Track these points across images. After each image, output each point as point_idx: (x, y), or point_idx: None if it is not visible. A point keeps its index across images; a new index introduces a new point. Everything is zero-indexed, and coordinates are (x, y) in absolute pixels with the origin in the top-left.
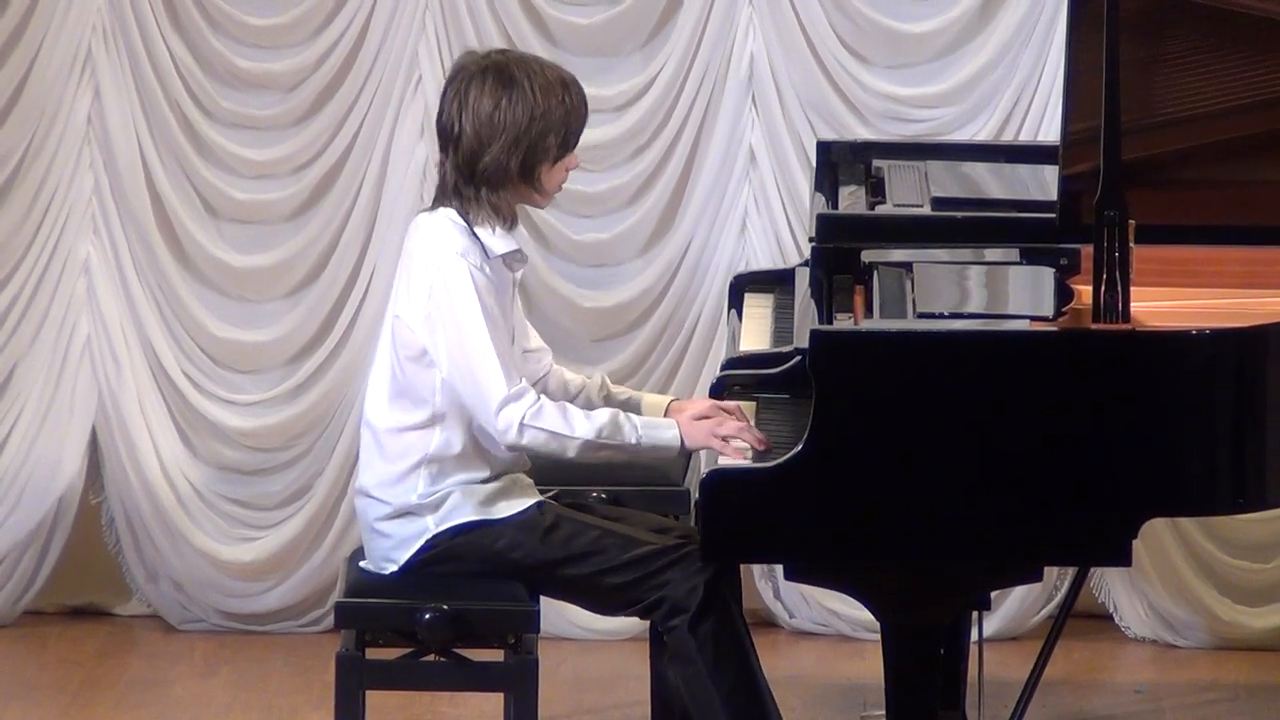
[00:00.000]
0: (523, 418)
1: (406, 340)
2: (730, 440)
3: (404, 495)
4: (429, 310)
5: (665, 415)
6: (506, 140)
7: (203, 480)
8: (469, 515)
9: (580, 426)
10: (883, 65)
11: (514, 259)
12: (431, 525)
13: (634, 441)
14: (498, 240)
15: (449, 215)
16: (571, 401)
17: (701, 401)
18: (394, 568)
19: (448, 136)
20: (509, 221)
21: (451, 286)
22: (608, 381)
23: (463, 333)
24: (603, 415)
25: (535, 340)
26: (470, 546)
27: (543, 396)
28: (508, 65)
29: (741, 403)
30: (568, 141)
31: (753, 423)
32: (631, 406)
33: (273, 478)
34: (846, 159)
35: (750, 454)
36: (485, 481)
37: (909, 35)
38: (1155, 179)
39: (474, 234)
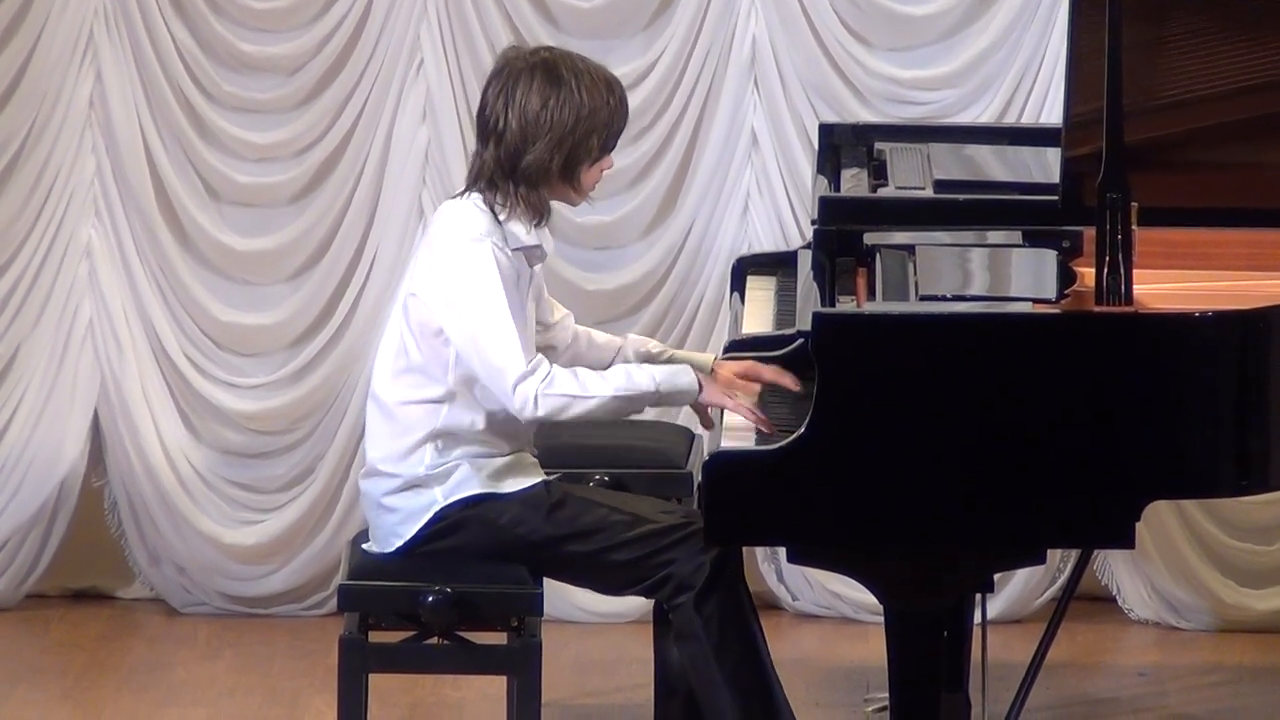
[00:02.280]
0: (537, 390)
1: (424, 318)
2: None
3: (412, 468)
4: (448, 294)
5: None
6: (552, 140)
7: (205, 463)
8: (477, 488)
9: (595, 386)
10: (885, 48)
11: (534, 254)
12: (439, 497)
13: (652, 388)
14: (524, 235)
15: (476, 202)
16: (611, 362)
17: (742, 363)
18: (400, 543)
19: (489, 130)
20: (541, 218)
21: (475, 267)
22: (650, 342)
23: (483, 309)
24: (616, 372)
25: (559, 311)
26: (476, 520)
27: (554, 366)
28: (555, 64)
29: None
30: (608, 143)
31: (757, 403)
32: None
33: (276, 461)
34: (849, 141)
35: (754, 434)
36: (493, 457)
37: (911, 17)
38: (1158, 161)
39: (498, 221)
